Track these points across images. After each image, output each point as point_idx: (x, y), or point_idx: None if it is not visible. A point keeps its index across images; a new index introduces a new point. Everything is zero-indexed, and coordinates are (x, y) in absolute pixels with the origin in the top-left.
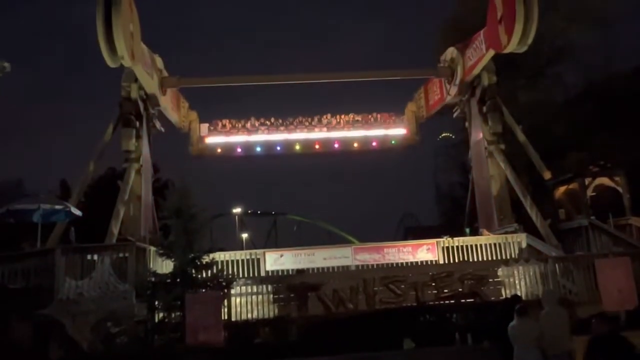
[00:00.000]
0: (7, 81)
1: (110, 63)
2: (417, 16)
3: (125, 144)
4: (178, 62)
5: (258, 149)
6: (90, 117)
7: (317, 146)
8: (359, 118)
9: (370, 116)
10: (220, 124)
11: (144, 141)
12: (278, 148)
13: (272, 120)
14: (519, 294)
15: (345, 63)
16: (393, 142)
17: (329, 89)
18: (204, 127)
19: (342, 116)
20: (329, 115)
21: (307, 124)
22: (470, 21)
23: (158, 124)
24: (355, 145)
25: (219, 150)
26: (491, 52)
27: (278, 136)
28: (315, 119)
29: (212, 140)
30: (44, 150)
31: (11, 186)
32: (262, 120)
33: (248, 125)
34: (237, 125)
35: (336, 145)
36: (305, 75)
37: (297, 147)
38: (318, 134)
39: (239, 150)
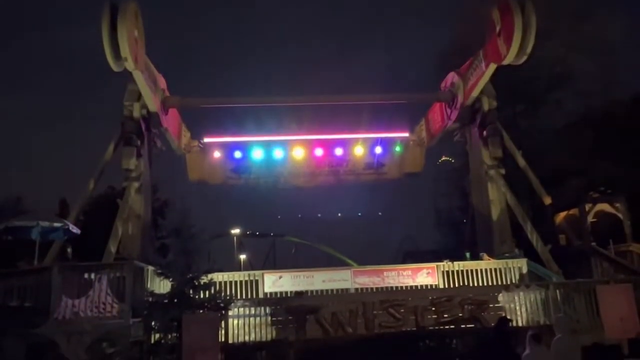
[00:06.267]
0: (7, 102)
1: (114, 66)
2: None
3: (126, 162)
4: (182, 83)
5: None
6: (92, 137)
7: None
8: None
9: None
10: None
11: (144, 160)
12: (278, 151)
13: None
14: (519, 319)
15: (345, 87)
16: (398, 149)
17: (330, 110)
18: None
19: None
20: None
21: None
22: (470, 48)
23: (159, 143)
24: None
25: (217, 154)
26: (491, 69)
27: (278, 138)
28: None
29: (209, 140)
30: (44, 168)
31: (10, 204)
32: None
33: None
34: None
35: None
36: (307, 97)
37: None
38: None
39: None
